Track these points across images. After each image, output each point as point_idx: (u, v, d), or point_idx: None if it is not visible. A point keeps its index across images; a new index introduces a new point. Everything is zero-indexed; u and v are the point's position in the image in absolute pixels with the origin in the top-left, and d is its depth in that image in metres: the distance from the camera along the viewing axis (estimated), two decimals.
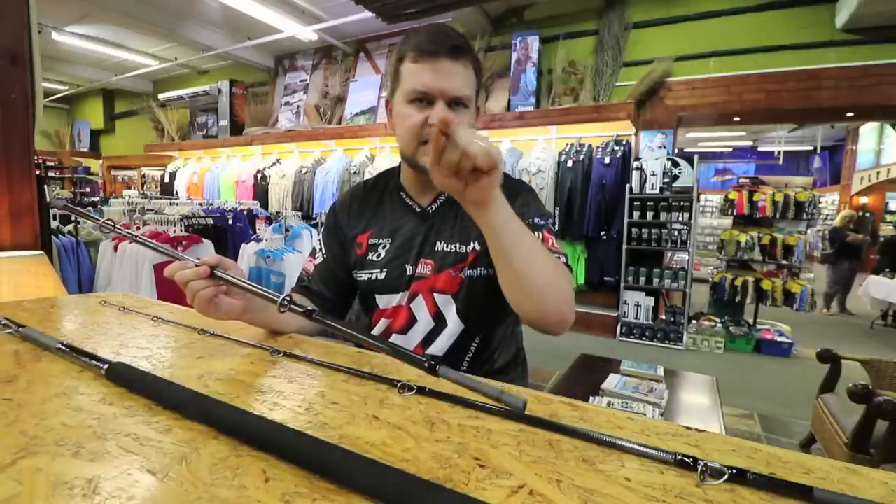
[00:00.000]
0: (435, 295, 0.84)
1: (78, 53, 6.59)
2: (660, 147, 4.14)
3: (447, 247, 0.84)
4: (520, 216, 0.75)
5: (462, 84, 0.77)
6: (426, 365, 0.46)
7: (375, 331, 0.89)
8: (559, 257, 0.74)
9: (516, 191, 0.85)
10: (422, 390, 0.47)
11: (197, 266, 0.60)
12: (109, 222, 0.68)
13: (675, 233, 3.91)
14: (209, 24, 5.46)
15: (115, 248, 2.37)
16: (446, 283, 0.83)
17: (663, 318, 4.07)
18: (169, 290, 2.20)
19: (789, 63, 3.80)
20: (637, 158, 4.08)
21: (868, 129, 9.15)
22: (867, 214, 9.15)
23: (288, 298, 0.55)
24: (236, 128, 6.38)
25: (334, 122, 5.68)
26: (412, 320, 0.85)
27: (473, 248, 0.83)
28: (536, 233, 0.77)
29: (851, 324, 5.37)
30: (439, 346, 0.84)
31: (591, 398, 1.59)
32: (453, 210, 0.86)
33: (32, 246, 1.63)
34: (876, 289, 4.90)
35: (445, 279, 0.83)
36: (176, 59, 6.65)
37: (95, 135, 9.15)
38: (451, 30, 0.78)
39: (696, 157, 3.97)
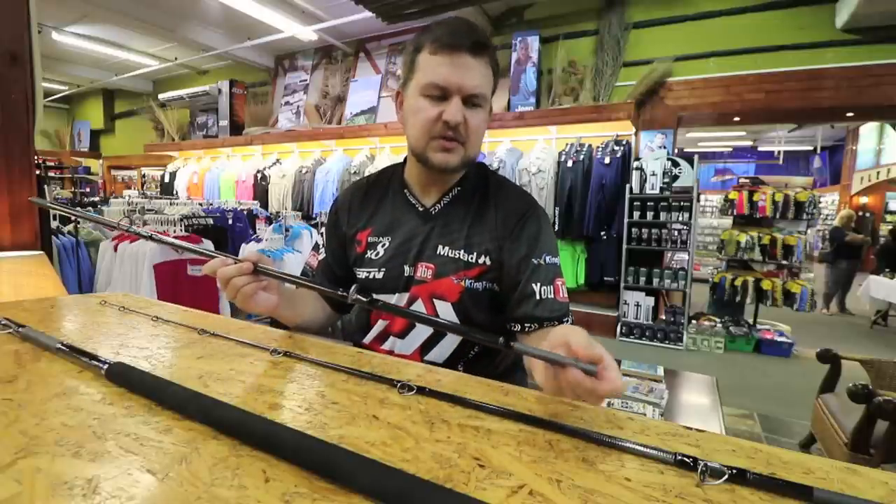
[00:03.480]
0: (435, 301, 0.81)
1: (78, 53, 6.58)
2: (660, 147, 4.14)
3: (451, 252, 0.81)
4: (528, 254, 0.78)
5: (481, 81, 0.75)
6: (500, 341, 0.50)
7: (373, 331, 0.88)
8: (565, 321, 0.77)
9: (525, 213, 0.82)
10: (422, 390, 0.46)
11: (238, 263, 0.63)
12: (120, 222, 0.69)
13: (675, 233, 3.91)
14: (209, 24, 5.46)
15: (115, 248, 2.37)
16: (447, 290, 0.80)
17: (663, 318, 4.06)
18: (169, 291, 2.20)
19: (789, 63, 3.80)
20: (637, 158, 4.07)
21: (868, 129, 9.15)
22: (867, 214, 9.16)
23: (355, 288, 0.58)
24: (236, 128, 6.37)
25: (334, 122, 5.68)
26: (411, 325, 0.83)
27: (484, 262, 0.80)
28: (550, 286, 0.78)
29: (851, 324, 5.37)
30: (439, 353, 0.82)
31: None
32: (459, 213, 0.83)
33: (32, 246, 1.62)
34: (876, 289, 4.90)
35: (446, 286, 0.80)
36: (176, 59, 6.65)
37: (95, 135, 9.15)
38: (475, 25, 0.76)
39: (696, 157, 3.97)
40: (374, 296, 0.86)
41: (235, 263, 0.63)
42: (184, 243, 0.69)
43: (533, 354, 0.46)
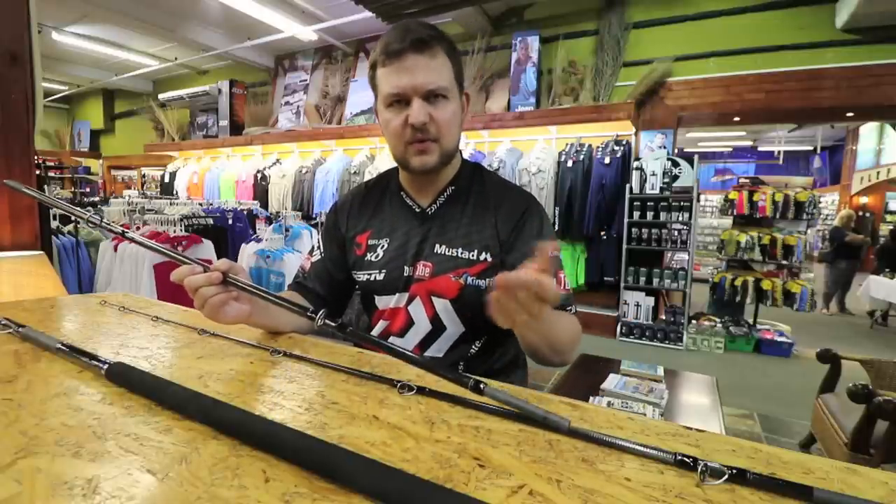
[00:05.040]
0: (433, 298, 0.82)
1: (78, 53, 6.58)
2: (660, 147, 4.14)
3: (448, 250, 0.83)
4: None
5: (434, 76, 0.75)
6: (470, 385, 0.45)
7: (374, 332, 0.89)
8: (569, 309, 0.80)
9: (525, 209, 0.84)
10: (422, 390, 0.46)
11: (207, 271, 0.60)
12: (99, 218, 0.67)
13: (675, 233, 3.91)
14: (209, 24, 5.46)
15: (115, 248, 2.37)
16: (445, 287, 0.81)
17: (663, 318, 4.06)
18: (169, 291, 2.20)
19: (789, 63, 3.80)
20: (637, 158, 4.07)
21: (868, 129, 9.14)
22: (867, 214, 9.15)
23: (323, 313, 0.56)
24: (236, 128, 6.37)
25: (334, 122, 5.68)
26: (409, 323, 0.84)
27: (484, 258, 0.81)
28: (553, 279, 0.80)
29: (851, 324, 5.37)
30: (438, 348, 0.83)
31: (591, 398, 1.59)
32: (455, 212, 0.85)
33: (32, 246, 1.63)
34: (876, 289, 4.90)
35: (444, 283, 0.81)
36: (176, 59, 6.65)
37: (95, 135, 9.14)
38: (415, 23, 0.76)
39: (696, 157, 3.97)
40: (376, 297, 0.88)
41: (205, 271, 0.60)
42: (138, 237, 0.67)
43: (507, 402, 0.44)
